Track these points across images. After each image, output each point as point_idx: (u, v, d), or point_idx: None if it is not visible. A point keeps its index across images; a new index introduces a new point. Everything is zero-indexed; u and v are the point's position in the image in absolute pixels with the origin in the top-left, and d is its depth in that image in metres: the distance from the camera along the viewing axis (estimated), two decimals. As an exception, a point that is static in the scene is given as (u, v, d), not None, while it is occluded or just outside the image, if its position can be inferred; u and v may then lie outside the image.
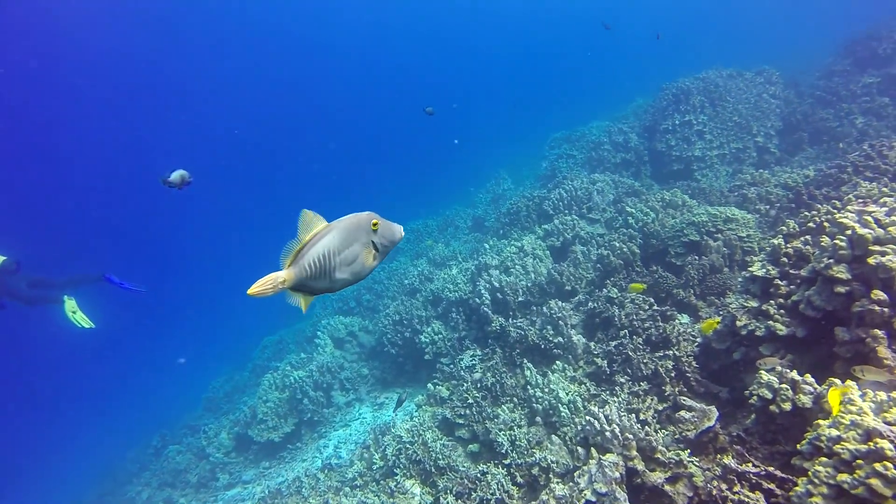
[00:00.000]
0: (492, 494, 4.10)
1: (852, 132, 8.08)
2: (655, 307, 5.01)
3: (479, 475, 4.42)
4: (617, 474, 3.37)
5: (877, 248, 3.08)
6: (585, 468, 3.54)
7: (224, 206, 33.83)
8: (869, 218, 3.20)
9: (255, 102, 40.19)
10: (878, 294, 3.00)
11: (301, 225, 1.47)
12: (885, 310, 2.99)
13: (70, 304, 5.48)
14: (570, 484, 3.54)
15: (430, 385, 6.11)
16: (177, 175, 4.21)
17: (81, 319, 5.44)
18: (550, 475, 4.00)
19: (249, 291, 1.36)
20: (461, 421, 5.21)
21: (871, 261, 3.04)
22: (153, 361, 20.93)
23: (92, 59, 29.51)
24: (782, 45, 16.46)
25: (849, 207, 3.52)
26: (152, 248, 33.07)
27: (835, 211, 3.71)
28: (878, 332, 2.96)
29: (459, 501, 4.34)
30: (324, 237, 1.47)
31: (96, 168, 33.93)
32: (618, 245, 5.98)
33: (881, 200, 3.48)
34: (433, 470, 4.88)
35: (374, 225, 1.56)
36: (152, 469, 9.47)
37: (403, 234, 1.65)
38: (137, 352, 23.03)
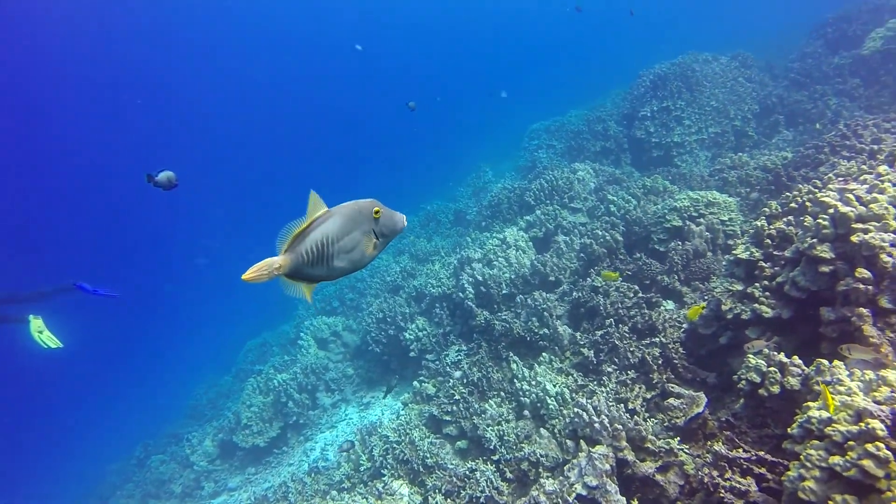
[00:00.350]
0: (481, 492, 4.02)
1: (827, 113, 8.14)
2: (640, 294, 4.97)
3: (467, 472, 4.34)
4: (607, 466, 3.30)
5: (859, 225, 3.04)
6: (575, 461, 3.47)
7: (206, 210, 33.22)
8: (850, 196, 3.16)
9: (233, 99, 39.59)
10: (862, 272, 2.96)
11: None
12: (870, 287, 2.96)
13: (36, 324, 5.13)
14: (560, 478, 3.47)
15: (415, 382, 6.01)
16: (164, 176, 4.03)
17: (48, 339, 5.10)
18: (540, 469, 3.93)
19: (244, 277, 1.30)
20: (448, 418, 5.12)
21: (854, 239, 3.01)
22: (135, 369, 20.51)
23: (62, 57, 28.71)
24: (755, 29, 16.60)
25: (830, 186, 3.49)
26: (131, 253, 32.35)
27: (816, 190, 3.68)
28: (863, 311, 2.93)
29: (448, 500, 4.26)
30: (323, 223, 1.40)
31: (70, 171, 33.06)
32: (600, 233, 5.93)
33: (861, 178, 3.46)
34: (421, 469, 4.79)
35: (376, 213, 1.49)
36: (135, 480, 9.22)
37: (406, 223, 1.59)
38: (118, 360, 22.51)
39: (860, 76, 8.53)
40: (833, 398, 2.44)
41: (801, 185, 4.12)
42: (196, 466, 8.13)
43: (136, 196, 28.74)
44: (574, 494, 3.27)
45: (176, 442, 9.73)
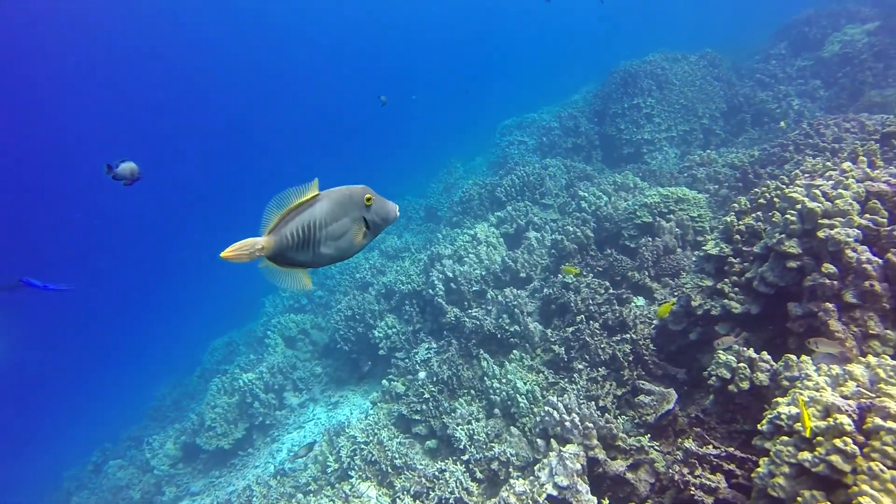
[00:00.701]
0: (450, 493, 3.93)
1: (790, 113, 8.33)
2: (611, 291, 4.95)
3: (436, 473, 4.24)
4: (578, 465, 3.25)
5: (825, 221, 3.06)
6: (546, 461, 3.40)
7: (171, 203, 32.16)
8: (817, 191, 3.17)
9: (206, 93, 38.58)
10: (828, 267, 2.97)
11: (288, 191, 1.31)
12: (835, 282, 2.97)
13: None
14: (531, 478, 3.40)
15: (384, 381, 5.88)
16: (126, 167, 3.59)
17: None
18: (510, 469, 3.85)
19: (223, 254, 1.23)
20: (418, 417, 5.01)
21: (820, 234, 3.02)
22: (96, 371, 19.75)
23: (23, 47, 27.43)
24: (723, 29, 16.96)
25: (797, 182, 3.50)
26: (94, 250, 31.12)
27: (784, 186, 3.70)
28: (829, 306, 2.94)
29: (417, 502, 4.15)
30: (311, 206, 1.34)
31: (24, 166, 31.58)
32: (571, 230, 5.90)
33: (827, 174, 3.48)
34: (390, 470, 4.67)
35: (368, 200, 1.43)
36: (91, 487, 8.81)
37: (398, 213, 1.52)
38: (76, 362, 21.63)
39: (821, 77, 8.77)
40: (809, 418, 2.38)
41: (769, 181, 4.15)
42: (157, 471, 7.80)
43: (100, 189, 27.67)
44: (545, 495, 3.20)
45: (136, 445, 9.33)
